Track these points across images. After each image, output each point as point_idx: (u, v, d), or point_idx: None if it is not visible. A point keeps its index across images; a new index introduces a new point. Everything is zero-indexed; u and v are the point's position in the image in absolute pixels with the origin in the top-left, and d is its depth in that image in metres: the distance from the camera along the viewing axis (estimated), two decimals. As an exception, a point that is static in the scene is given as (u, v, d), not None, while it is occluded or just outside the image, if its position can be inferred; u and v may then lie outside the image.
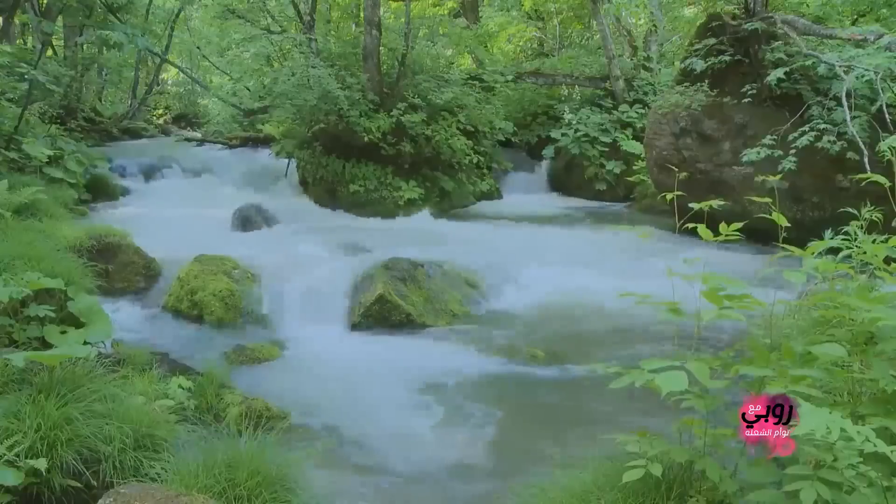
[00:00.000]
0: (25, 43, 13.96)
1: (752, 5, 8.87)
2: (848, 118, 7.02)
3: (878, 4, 10.31)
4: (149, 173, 12.33)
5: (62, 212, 6.86)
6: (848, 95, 7.16)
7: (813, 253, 2.41)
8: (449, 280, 6.44)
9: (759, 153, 7.75)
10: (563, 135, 12.70)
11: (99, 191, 10.22)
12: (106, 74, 18.13)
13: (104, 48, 15.63)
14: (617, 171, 12.30)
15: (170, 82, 24.90)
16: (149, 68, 19.11)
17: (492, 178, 12.44)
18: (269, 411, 3.97)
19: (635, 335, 5.45)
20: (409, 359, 5.18)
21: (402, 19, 11.98)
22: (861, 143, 6.91)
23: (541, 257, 7.38)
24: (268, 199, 10.22)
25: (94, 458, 2.72)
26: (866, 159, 6.68)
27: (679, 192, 2.59)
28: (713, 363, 2.23)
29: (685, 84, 9.14)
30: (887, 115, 6.86)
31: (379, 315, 5.78)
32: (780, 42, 8.45)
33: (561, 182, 12.97)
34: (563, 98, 14.22)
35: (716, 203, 2.49)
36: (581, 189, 12.56)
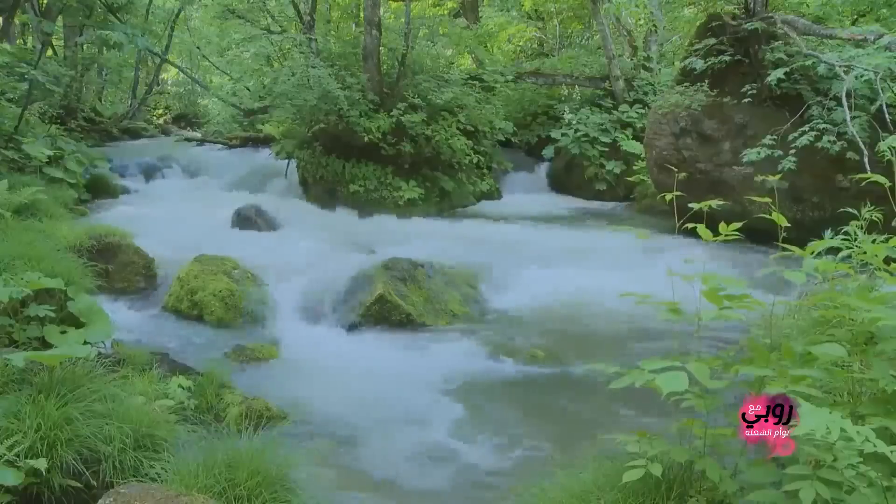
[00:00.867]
0: (25, 43, 13.96)
1: (752, 5, 8.86)
2: (848, 118, 7.02)
3: (878, 4, 10.30)
4: (149, 173, 12.34)
5: (62, 212, 6.87)
6: (848, 95, 7.16)
7: (812, 253, 2.41)
8: (449, 280, 6.43)
9: (759, 153, 7.75)
10: (563, 135, 12.70)
11: (99, 191, 10.23)
12: (106, 74, 18.14)
13: (104, 48, 15.63)
14: (617, 171, 12.29)
15: (170, 82, 24.91)
16: (149, 68, 19.12)
17: (492, 178, 12.43)
18: (269, 411, 3.97)
19: (635, 335, 5.44)
20: (408, 359, 5.18)
21: (402, 19, 11.98)
22: (861, 143, 6.91)
23: (541, 257, 7.37)
24: (268, 199, 10.22)
25: (94, 458, 2.72)
26: (866, 159, 6.68)
27: (679, 192, 2.59)
28: (713, 363, 2.23)
29: (685, 84, 9.13)
30: (887, 115, 6.86)
31: (379, 315, 5.78)
32: (780, 42, 8.45)
33: (561, 182, 12.96)
34: (563, 98, 14.22)
35: (715, 203, 2.49)
36: (581, 189, 12.55)
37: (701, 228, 2.45)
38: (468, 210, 11.33)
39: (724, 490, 2.11)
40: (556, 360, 5.10)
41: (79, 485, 2.66)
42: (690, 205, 2.47)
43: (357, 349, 5.40)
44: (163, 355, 4.55)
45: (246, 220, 8.86)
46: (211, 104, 18.31)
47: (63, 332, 3.85)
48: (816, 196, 7.97)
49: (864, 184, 3.02)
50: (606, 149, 12.43)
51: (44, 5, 11.88)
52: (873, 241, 2.54)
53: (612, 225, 9.56)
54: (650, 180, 10.47)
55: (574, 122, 12.70)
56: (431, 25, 13.47)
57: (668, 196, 2.62)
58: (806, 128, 7.60)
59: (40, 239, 5.05)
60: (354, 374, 4.85)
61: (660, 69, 14.02)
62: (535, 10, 17.67)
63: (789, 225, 2.47)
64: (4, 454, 2.50)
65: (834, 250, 2.72)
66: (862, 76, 7.12)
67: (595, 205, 11.99)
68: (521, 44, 18.08)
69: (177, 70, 20.85)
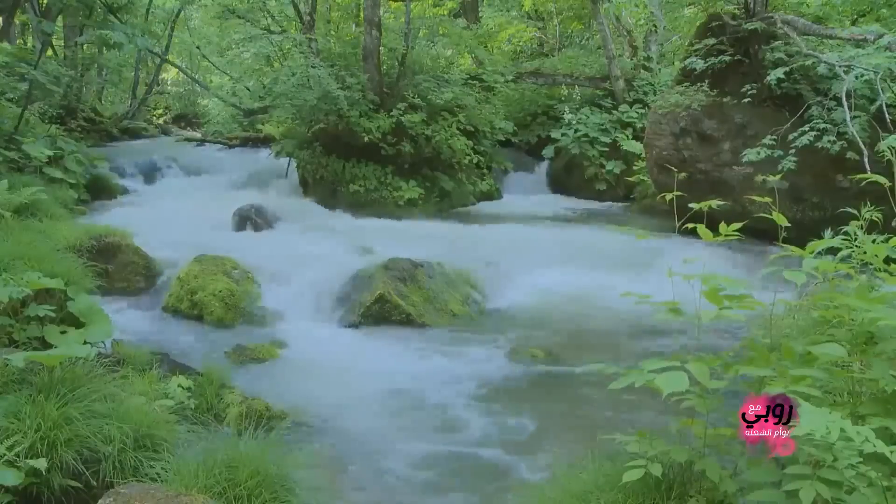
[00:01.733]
0: (25, 43, 13.97)
1: (752, 5, 8.87)
2: (848, 118, 7.02)
3: (878, 4, 10.31)
4: (149, 173, 12.35)
5: (62, 212, 6.87)
6: (848, 95, 7.16)
7: (812, 252, 2.41)
8: (449, 280, 6.43)
9: (759, 153, 7.75)
10: (563, 135, 12.69)
11: (99, 191, 10.24)
12: (106, 74, 18.13)
13: (104, 48, 15.61)
14: (617, 171, 12.29)
15: (170, 82, 24.90)
16: (149, 68, 19.09)
17: (492, 178, 12.43)
18: (269, 411, 3.97)
19: (636, 335, 5.45)
20: (409, 359, 5.18)
21: (402, 19, 11.97)
22: (861, 143, 6.91)
23: (541, 257, 7.36)
24: (268, 199, 10.21)
25: (94, 458, 2.72)
26: (866, 159, 6.68)
27: (679, 193, 2.59)
28: (713, 363, 2.23)
29: (685, 84, 9.13)
30: (887, 115, 6.86)
31: (379, 315, 5.78)
32: (780, 42, 8.45)
33: (561, 182, 12.96)
34: (563, 98, 14.21)
35: (715, 203, 2.49)
36: (581, 189, 12.54)
37: (701, 228, 2.45)
38: (468, 210, 11.32)
39: (724, 490, 2.11)
40: (556, 360, 5.10)
41: (79, 485, 2.66)
42: (690, 205, 2.47)
43: (357, 349, 5.41)
44: (163, 355, 4.54)
45: (246, 220, 8.86)
46: (211, 104, 18.29)
47: (63, 332, 3.85)
48: (816, 196, 7.97)
49: (864, 184, 3.02)
50: (606, 149, 12.43)
51: (44, 5, 11.87)
52: (873, 241, 2.54)
53: (612, 225, 9.55)
54: (650, 180, 10.47)
55: (574, 122, 12.69)
56: (431, 25, 13.47)
57: (668, 196, 2.62)
58: (806, 128, 7.60)
59: (40, 239, 5.05)
60: (355, 374, 4.85)
61: (660, 69, 14.02)
62: (535, 10, 17.66)
63: (789, 225, 2.47)
64: (4, 454, 2.50)
65: (834, 250, 2.72)
66: (862, 76, 7.12)
67: (595, 205, 11.99)
68: (521, 44, 18.06)
69: (177, 70, 20.84)
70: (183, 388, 3.74)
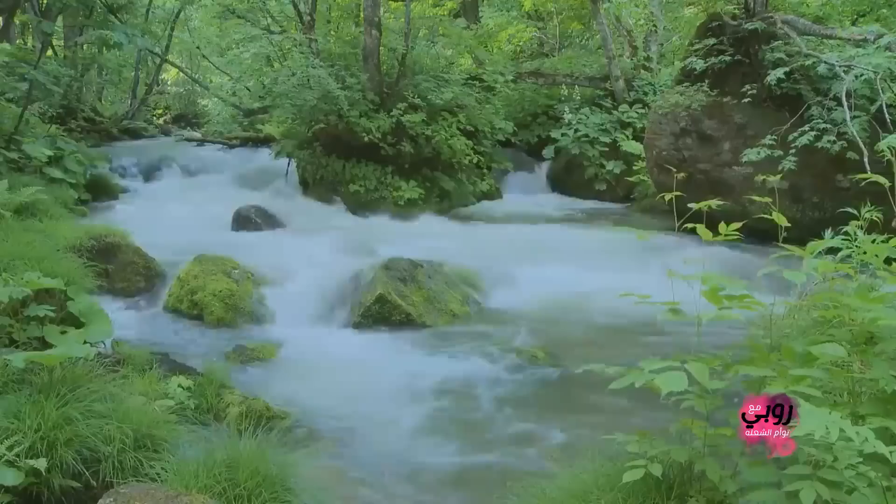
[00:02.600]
0: (25, 43, 13.96)
1: (752, 5, 8.86)
2: (848, 118, 7.02)
3: (878, 4, 10.31)
4: (149, 173, 12.35)
5: (62, 212, 6.86)
6: (848, 95, 7.16)
7: (812, 252, 2.40)
8: (449, 280, 6.43)
9: (759, 153, 7.75)
10: (563, 135, 12.69)
11: (99, 191, 10.23)
12: (106, 74, 18.11)
13: (104, 48, 15.59)
14: (617, 171, 12.28)
15: (170, 82, 24.87)
16: (149, 68, 19.06)
17: (492, 178, 12.42)
18: (269, 411, 3.97)
19: (635, 335, 5.44)
20: (408, 359, 5.18)
21: (402, 19, 11.97)
22: (861, 143, 6.91)
23: (541, 257, 7.36)
24: (267, 199, 10.22)
25: (94, 458, 2.72)
26: (866, 159, 6.68)
27: (679, 193, 2.59)
28: (713, 363, 2.23)
29: (685, 84, 9.13)
30: (887, 115, 6.86)
31: (379, 315, 5.78)
32: (780, 42, 8.45)
33: (561, 182, 12.96)
34: (563, 98, 14.19)
35: (715, 203, 2.49)
36: (581, 189, 12.53)
37: (701, 228, 2.45)
38: (468, 210, 11.32)
39: (724, 490, 2.10)
40: (556, 360, 5.10)
41: (79, 485, 2.66)
42: (690, 205, 2.47)
43: (357, 349, 5.40)
44: (163, 355, 4.55)
45: (246, 220, 8.86)
46: (211, 104, 18.29)
47: (63, 332, 3.85)
48: (816, 196, 7.97)
49: (864, 184, 3.02)
50: (606, 149, 12.42)
51: (44, 5, 11.86)
52: (873, 241, 2.53)
53: (612, 225, 9.56)
54: (650, 180, 10.47)
55: (574, 123, 12.69)
56: (431, 25, 13.46)
57: (668, 196, 2.62)
58: (806, 128, 7.60)
59: (40, 239, 5.05)
60: (355, 374, 4.85)
61: (660, 69, 14.01)
62: (535, 10, 17.65)
63: (789, 225, 2.47)
64: (4, 454, 2.50)
65: (834, 250, 2.72)
66: (862, 76, 7.12)
67: (595, 205, 11.98)
68: (521, 44, 18.05)
69: (177, 70, 20.83)
70: (183, 388, 3.74)
